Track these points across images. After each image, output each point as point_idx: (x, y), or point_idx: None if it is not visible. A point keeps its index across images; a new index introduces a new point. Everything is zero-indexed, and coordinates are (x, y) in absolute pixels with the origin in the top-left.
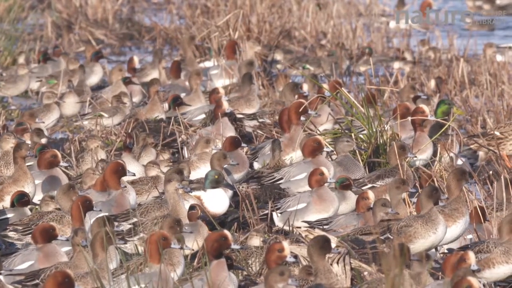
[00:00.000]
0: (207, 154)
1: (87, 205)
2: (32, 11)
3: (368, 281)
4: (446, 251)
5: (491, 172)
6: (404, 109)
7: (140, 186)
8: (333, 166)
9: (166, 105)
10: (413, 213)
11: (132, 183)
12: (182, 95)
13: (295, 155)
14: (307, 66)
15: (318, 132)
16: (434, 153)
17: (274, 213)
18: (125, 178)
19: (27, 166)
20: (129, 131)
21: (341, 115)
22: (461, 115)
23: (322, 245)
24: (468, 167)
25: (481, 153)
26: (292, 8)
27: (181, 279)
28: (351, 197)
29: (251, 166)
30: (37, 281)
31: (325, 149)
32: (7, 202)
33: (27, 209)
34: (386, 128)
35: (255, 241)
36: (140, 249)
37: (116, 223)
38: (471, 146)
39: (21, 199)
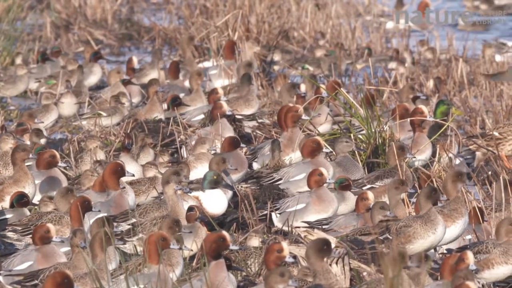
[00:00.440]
0: (204, 154)
1: (86, 206)
2: (31, 11)
3: (367, 282)
4: (445, 251)
5: (490, 172)
6: (403, 109)
7: (137, 187)
8: (332, 167)
9: (165, 105)
10: (412, 214)
11: (130, 184)
12: (181, 95)
13: (295, 155)
14: (307, 66)
15: (317, 133)
16: (433, 154)
17: (273, 214)
18: (123, 179)
19: (26, 166)
20: (128, 131)
21: (340, 115)
22: (460, 116)
23: (321, 248)
24: (466, 167)
25: (478, 154)
26: (291, 9)
27: (180, 279)
28: (350, 198)
29: (250, 166)
30: (36, 281)
31: (324, 149)
32: (7, 202)
33: (26, 210)
34: (385, 129)
35: (254, 241)
36: (139, 249)
37: (115, 224)
38: (470, 147)
39: (21, 200)
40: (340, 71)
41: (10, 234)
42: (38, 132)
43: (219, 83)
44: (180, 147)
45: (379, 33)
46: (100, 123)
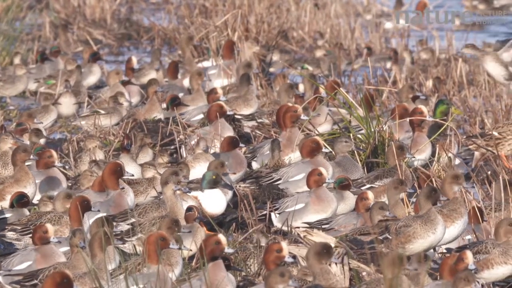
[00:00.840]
0: (202, 154)
1: (85, 206)
2: (30, 11)
3: (367, 282)
4: (444, 251)
5: (489, 172)
6: (402, 109)
7: (136, 188)
8: (331, 167)
9: (164, 105)
10: (411, 214)
11: (128, 184)
12: (180, 95)
13: (294, 155)
14: (306, 66)
15: (316, 133)
16: (433, 154)
17: (272, 214)
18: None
19: (26, 166)
20: (128, 131)
21: (339, 115)
22: (460, 115)
23: (320, 251)
24: (465, 167)
25: (476, 154)
26: (291, 8)
27: (179, 279)
28: (350, 198)
29: (249, 166)
30: (35, 281)
31: (323, 149)
32: (8, 202)
33: (25, 210)
34: (384, 129)
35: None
36: (139, 249)
37: (114, 223)
38: (470, 147)
39: (21, 200)
40: (340, 71)
41: (9, 233)
42: (37, 132)
43: (218, 82)
44: (180, 147)
45: (378, 33)
46: (99, 123)
